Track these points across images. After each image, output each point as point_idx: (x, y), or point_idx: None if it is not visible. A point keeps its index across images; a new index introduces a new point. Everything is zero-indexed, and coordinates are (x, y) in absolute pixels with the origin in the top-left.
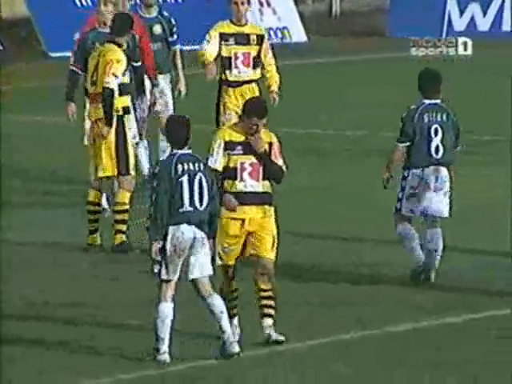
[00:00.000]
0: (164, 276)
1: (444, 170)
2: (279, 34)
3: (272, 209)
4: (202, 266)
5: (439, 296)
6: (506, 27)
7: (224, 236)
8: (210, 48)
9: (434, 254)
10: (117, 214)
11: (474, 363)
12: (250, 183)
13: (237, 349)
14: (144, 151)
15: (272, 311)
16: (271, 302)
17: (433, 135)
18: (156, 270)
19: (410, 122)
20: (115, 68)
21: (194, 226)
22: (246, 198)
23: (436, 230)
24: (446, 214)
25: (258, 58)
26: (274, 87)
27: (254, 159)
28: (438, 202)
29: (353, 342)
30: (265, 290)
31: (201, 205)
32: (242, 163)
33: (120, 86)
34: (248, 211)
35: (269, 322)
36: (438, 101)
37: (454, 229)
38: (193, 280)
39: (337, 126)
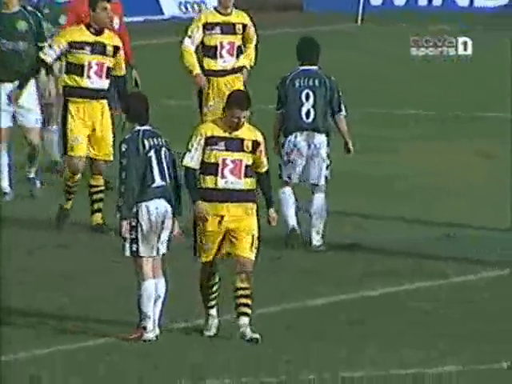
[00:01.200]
0: (143, 253)
1: (318, 137)
2: (196, 8)
3: (254, 206)
4: (166, 243)
5: (360, 268)
6: (422, 1)
7: (202, 233)
8: (192, 52)
9: (313, 217)
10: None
11: (392, 336)
12: (232, 180)
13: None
14: (54, 137)
15: (248, 310)
16: (248, 301)
17: (304, 100)
18: (128, 249)
19: (282, 88)
20: (55, 40)
21: (164, 200)
22: (226, 195)
23: (317, 195)
24: (321, 181)
25: (241, 46)
26: (246, 63)
27: (236, 156)
28: (313, 169)
29: (273, 316)
30: (242, 289)
31: (170, 179)
32: (223, 159)
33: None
34: (228, 208)
35: (245, 320)
36: (314, 67)
37: (381, 201)
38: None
39: (255, 100)
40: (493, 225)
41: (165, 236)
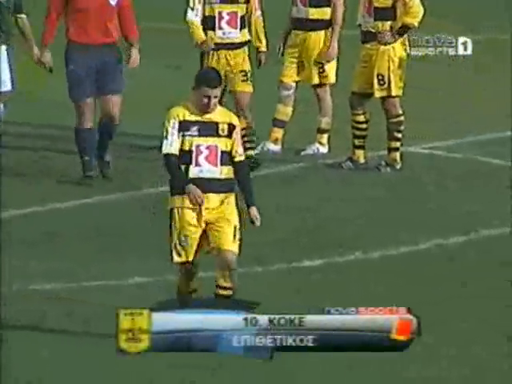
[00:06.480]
0: None
1: None
2: None
3: (233, 195)
4: None
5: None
6: None
7: (179, 227)
8: (196, 20)
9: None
10: None
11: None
12: (207, 168)
13: None
14: None
15: None
16: None
17: None
18: None
19: None
20: None
21: None
22: (202, 185)
23: None
24: None
25: (245, 17)
26: (263, 48)
27: (211, 142)
28: None
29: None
30: (224, 288)
31: None
32: (197, 146)
33: None
34: (205, 200)
35: None
36: None
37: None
38: None
39: None
40: None
41: None
